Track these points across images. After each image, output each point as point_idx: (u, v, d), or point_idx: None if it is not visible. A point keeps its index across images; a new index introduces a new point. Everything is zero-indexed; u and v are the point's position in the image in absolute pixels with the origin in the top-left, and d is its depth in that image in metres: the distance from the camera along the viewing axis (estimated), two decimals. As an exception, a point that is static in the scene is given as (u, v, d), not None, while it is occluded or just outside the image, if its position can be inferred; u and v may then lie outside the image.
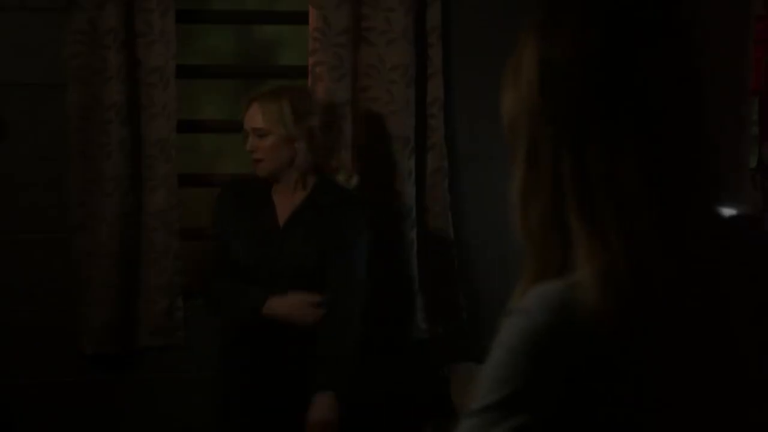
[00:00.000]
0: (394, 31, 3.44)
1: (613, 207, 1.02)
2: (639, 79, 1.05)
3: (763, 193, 3.40)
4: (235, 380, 3.05)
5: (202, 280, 3.18)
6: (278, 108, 2.99)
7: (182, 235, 3.49)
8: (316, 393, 2.88)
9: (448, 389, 3.40)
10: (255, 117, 3.00)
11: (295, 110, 3.00)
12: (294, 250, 3.00)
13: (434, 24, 3.50)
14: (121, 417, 3.50)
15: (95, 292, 3.38)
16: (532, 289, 1.04)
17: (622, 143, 1.04)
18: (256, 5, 3.75)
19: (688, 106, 1.07)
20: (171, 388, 3.48)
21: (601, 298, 0.99)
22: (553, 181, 1.05)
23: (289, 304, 2.98)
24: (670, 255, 1.01)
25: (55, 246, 3.42)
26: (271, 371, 3.01)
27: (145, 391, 3.50)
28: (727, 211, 1.10)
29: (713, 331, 1.04)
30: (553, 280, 1.04)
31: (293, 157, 3.01)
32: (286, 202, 3.06)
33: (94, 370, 3.48)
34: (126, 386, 3.51)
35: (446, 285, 3.59)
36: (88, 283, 3.38)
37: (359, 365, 3.03)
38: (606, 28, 1.06)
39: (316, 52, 3.41)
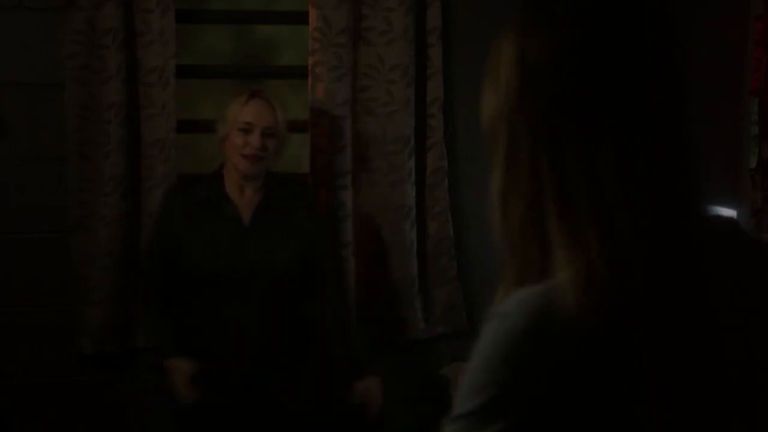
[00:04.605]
0: (393, 31, 3.43)
1: (592, 208, 1.01)
2: (616, 78, 1.04)
3: (762, 193, 3.39)
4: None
5: (142, 288, 3.17)
6: (282, 109, 3.03)
7: (181, 235, 3.48)
8: (364, 376, 3.04)
9: (448, 389, 3.40)
10: (267, 115, 2.97)
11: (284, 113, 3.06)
12: (266, 248, 2.96)
13: (434, 24, 3.49)
14: (120, 417, 3.50)
15: (94, 291, 3.37)
16: (512, 292, 1.03)
17: (600, 143, 1.02)
18: (256, 5, 3.75)
19: (669, 105, 1.06)
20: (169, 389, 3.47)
21: (580, 301, 0.98)
22: (532, 182, 1.05)
23: (178, 382, 2.92)
24: (650, 256, 1.00)
25: (54, 246, 3.42)
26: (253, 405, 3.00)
27: (144, 391, 3.49)
28: (726, 212, 1.09)
29: (696, 333, 1.03)
30: (533, 284, 1.03)
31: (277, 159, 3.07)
32: (243, 200, 3.01)
33: (93, 369, 3.48)
34: (124, 386, 3.51)
35: (446, 285, 3.58)
36: (87, 282, 3.38)
37: None
38: (581, 28, 1.05)
39: (316, 52, 3.41)
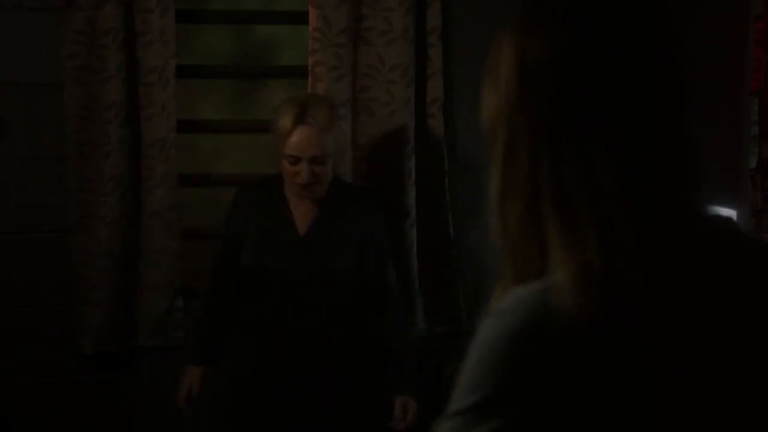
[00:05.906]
0: (393, 31, 3.43)
1: (591, 208, 1.01)
2: (616, 78, 1.04)
3: (762, 193, 3.39)
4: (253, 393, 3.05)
5: (209, 284, 3.17)
6: (334, 130, 2.95)
7: (181, 235, 3.48)
8: (398, 396, 3.03)
9: (449, 389, 3.39)
10: (315, 145, 2.87)
11: (338, 125, 3.01)
12: (320, 259, 2.97)
13: (434, 24, 3.49)
14: (120, 417, 3.50)
15: (94, 291, 3.37)
16: (509, 291, 1.03)
17: (600, 143, 1.02)
18: (256, 5, 3.75)
19: (669, 105, 1.06)
20: (170, 388, 3.47)
21: (579, 301, 0.98)
22: (531, 182, 1.04)
23: (183, 386, 3.13)
24: (649, 256, 1.00)
25: (55, 246, 3.42)
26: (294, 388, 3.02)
27: (144, 391, 3.49)
28: (725, 212, 1.09)
29: (696, 333, 1.03)
30: (531, 283, 1.03)
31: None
32: (303, 206, 3.00)
33: (93, 369, 3.48)
34: (125, 386, 3.51)
35: (446, 285, 3.58)
36: (87, 282, 3.38)
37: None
38: (581, 28, 1.05)
39: (316, 52, 3.41)
